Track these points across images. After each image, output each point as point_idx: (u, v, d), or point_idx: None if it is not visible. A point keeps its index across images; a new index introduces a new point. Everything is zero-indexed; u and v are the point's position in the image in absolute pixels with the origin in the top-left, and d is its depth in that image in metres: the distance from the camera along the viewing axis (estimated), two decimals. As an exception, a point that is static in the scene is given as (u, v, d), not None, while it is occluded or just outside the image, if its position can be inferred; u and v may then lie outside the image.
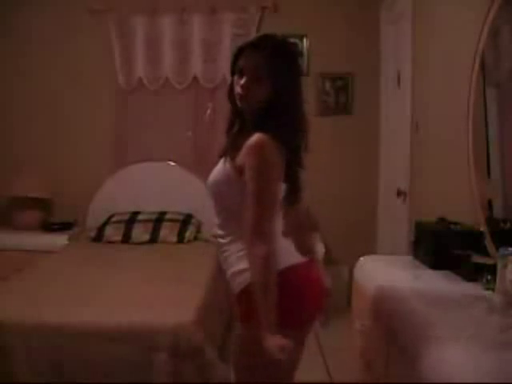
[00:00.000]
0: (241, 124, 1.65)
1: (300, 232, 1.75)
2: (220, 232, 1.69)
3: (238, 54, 1.64)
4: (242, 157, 1.53)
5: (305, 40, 4.09)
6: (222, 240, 1.68)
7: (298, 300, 1.57)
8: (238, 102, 1.60)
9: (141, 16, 4.04)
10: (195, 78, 4.07)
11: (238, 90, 1.59)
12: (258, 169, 1.49)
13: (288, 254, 1.61)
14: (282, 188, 1.57)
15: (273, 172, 1.51)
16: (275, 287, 1.46)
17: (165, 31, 4.04)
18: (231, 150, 1.60)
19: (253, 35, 4.01)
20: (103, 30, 4.08)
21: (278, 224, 1.62)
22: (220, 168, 1.65)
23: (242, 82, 1.58)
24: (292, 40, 4.08)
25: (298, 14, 4.07)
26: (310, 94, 4.10)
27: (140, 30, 4.06)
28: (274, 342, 1.41)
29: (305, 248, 1.71)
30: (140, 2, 4.06)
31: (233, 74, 1.64)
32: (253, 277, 1.49)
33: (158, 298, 2.48)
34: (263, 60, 1.57)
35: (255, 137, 1.51)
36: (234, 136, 1.66)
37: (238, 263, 1.59)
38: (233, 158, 1.58)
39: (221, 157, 1.67)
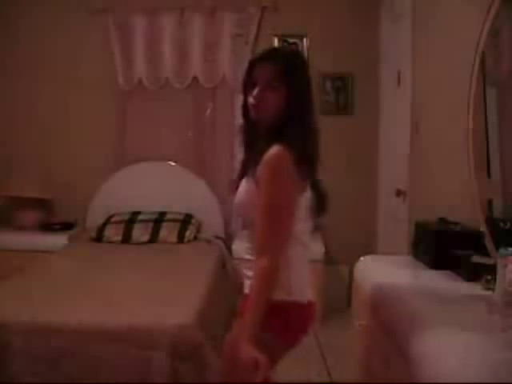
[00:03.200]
0: (257, 141, 1.65)
1: None
2: (250, 245, 1.66)
3: (250, 68, 1.65)
4: (260, 170, 1.53)
5: (305, 40, 4.09)
6: (250, 255, 1.64)
7: (284, 334, 1.60)
8: (252, 114, 1.61)
9: (141, 16, 4.05)
10: (195, 78, 4.07)
11: (251, 101, 1.60)
12: (270, 182, 1.50)
13: (299, 288, 1.63)
14: (307, 198, 1.59)
15: (286, 185, 1.50)
16: (268, 298, 1.46)
17: (165, 31, 4.05)
18: (252, 167, 1.59)
19: (253, 35, 4.02)
20: (103, 30, 4.09)
21: (302, 238, 1.63)
22: (243, 189, 1.63)
23: (255, 92, 1.59)
24: (293, 40, 4.10)
25: (297, 14, 4.07)
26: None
27: (140, 30, 4.06)
28: (252, 354, 1.40)
29: None
30: (140, 2, 4.07)
31: (245, 90, 1.65)
32: (251, 286, 1.50)
33: (157, 298, 2.48)
34: (275, 70, 1.58)
35: (272, 149, 1.51)
36: (252, 155, 1.65)
37: None
38: (254, 175, 1.57)
39: (240, 178, 1.67)
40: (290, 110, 1.58)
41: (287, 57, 1.64)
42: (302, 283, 1.66)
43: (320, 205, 1.65)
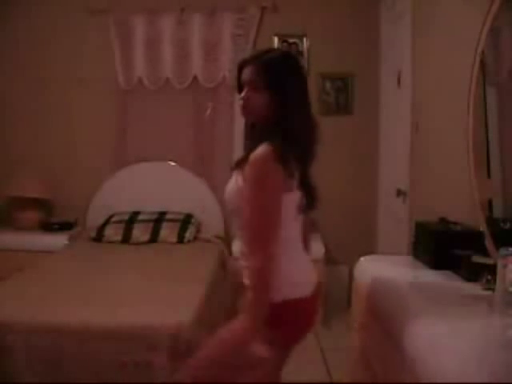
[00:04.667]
0: (252, 137, 1.68)
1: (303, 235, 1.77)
2: (243, 246, 1.66)
3: (238, 69, 1.68)
4: (246, 169, 1.55)
5: (305, 40, 4.09)
6: (244, 260, 1.65)
7: (288, 332, 1.62)
8: (241, 114, 1.65)
9: (141, 16, 4.05)
10: (195, 78, 4.07)
11: (239, 101, 1.64)
12: (256, 182, 1.51)
13: (295, 285, 1.63)
14: (293, 198, 1.58)
15: (271, 185, 1.51)
16: (267, 298, 1.48)
17: (165, 31, 4.05)
18: (242, 162, 1.61)
19: (253, 35, 4.02)
20: (103, 29, 4.09)
21: (293, 235, 1.65)
22: (232, 181, 1.66)
23: (243, 93, 1.63)
24: (292, 40, 4.10)
25: (297, 14, 4.07)
26: (310, 93, 4.10)
27: (140, 30, 4.06)
28: (261, 353, 1.45)
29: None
30: (140, 2, 4.07)
31: (239, 91, 1.69)
32: (248, 286, 1.52)
33: (157, 297, 2.48)
34: (260, 71, 1.60)
35: (259, 149, 1.52)
36: (245, 149, 1.68)
37: None
38: (242, 171, 1.59)
39: (232, 170, 1.68)
40: (276, 110, 1.59)
41: (273, 58, 1.64)
42: (301, 278, 1.66)
43: (309, 202, 1.65)
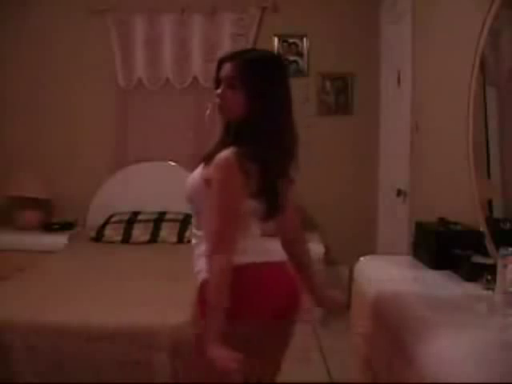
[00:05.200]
0: (224, 134, 1.66)
1: (286, 233, 1.75)
2: (194, 231, 1.72)
3: (219, 64, 1.67)
4: (211, 169, 1.55)
5: (305, 40, 4.10)
6: (194, 240, 1.71)
7: (253, 298, 1.57)
8: (218, 112, 1.64)
9: (141, 16, 4.05)
10: (195, 78, 4.07)
11: (216, 99, 1.63)
12: (220, 185, 1.51)
13: (251, 252, 1.59)
14: (251, 203, 1.54)
15: (233, 189, 1.51)
16: (227, 300, 1.47)
17: (165, 31, 4.05)
18: (209, 157, 1.60)
19: (253, 35, 4.02)
20: (103, 29, 4.09)
21: (252, 237, 1.61)
22: (197, 172, 1.67)
23: (219, 90, 1.62)
24: (293, 40, 4.09)
25: (297, 14, 4.07)
26: (310, 93, 4.12)
27: (140, 29, 4.06)
28: (220, 354, 1.41)
29: (294, 249, 1.75)
30: (140, 2, 4.07)
31: (216, 85, 1.67)
32: (210, 286, 1.51)
33: (157, 297, 2.48)
34: (236, 70, 1.58)
35: (224, 153, 1.51)
36: (216, 144, 1.66)
37: (200, 262, 1.62)
38: (207, 166, 1.60)
39: (201, 161, 1.68)
40: (248, 111, 1.56)
41: (252, 57, 1.62)
42: (266, 246, 1.64)
43: (269, 210, 1.58)
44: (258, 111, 1.55)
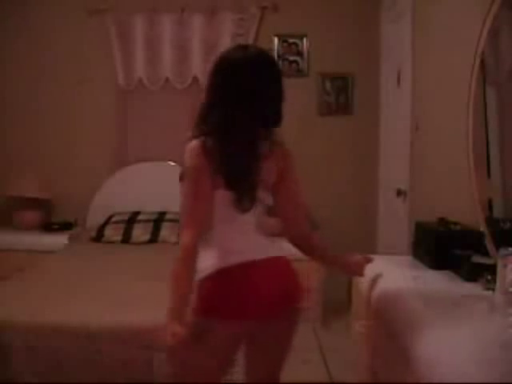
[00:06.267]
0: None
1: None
2: None
3: None
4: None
5: (305, 40, 4.10)
6: None
7: (224, 304, 1.60)
8: None
9: (141, 16, 4.05)
10: (195, 78, 4.07)
11: None
12: (185, 172, 1.61)
13: (219, 257, 1.63)
14: (222, 195, 1.58)
15: (193, 177, 1.57)
16: (189, 279, 1.54)
17: (165, 31, 4.05)
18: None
19: (253, 35, 4.03)
20: (103, 29, 4.09)
21: (226, 228, 1.64)
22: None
23: None
24: (293, 40, 4.09)
25: (297, 14, 4.07)
26: (310, 93, 4.12)
27: (140, 30, 4.06)
28: (170, 328, 1.46)
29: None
30: (140, 2, 4.07)
31: None
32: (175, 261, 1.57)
33: (157, 298, 2.47)
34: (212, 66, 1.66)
35: (192, 142, 1.62)
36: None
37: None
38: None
39: None
40: (206, 106, 1.65)
41: (219, 56, 1.66)
42: (233, 248, 1.65)
43: (241, 203, 1.59)
44: (209, 106, 1.64)
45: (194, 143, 1.61)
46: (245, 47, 1.69)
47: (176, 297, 1.53)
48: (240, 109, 1.60)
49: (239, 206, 1.59)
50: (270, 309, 1.62)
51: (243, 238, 1.66)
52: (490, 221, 2.05)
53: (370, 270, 2.22)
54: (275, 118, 1.66)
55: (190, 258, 1.53)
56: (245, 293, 1.60)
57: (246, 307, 1.60)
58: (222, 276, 1.60)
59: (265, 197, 1.66)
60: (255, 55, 1.64)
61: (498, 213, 2.08)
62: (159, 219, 3.85)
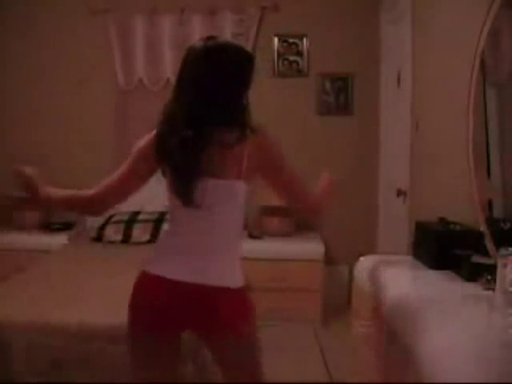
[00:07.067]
0: None
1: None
2: None
3: None
4: None
5: (305, 40, 4.10)
6: None
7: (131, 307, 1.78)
8: None
9: (141, 16, 4.05)
10: (195, 78, 4.07)
11: None
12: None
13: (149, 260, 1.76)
14: (168, 184, 1.73)
15: (132, 155, 1.78)
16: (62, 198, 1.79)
17: (165, 31, 4.05)
18: None
19: (253, 35, 4.03)
20: (103, 29, 4.09)
21: (176, 226, 1.74)
22: None
23: None
24: (293, 40, 4.09)
25: (298, 14, 4.07)
26: (309, 93, 4.12)
27: (140, 30, 4.06)
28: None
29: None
30: (140, 2, 4.07)
31: None
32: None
33: (158, 297, 2.47)
34: None
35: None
36: None
37: None
38: None
39: None
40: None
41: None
42: (159, 257, 1.74)
43: (182, 198, 1.64)
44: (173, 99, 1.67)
45: (151, 134, 1.70)
46: (209, 38, 1.65)
47: (68, 194, 1.77)
48: (185, 102, 1.61)
49: (182, 201, 1.64)
50: (156, 323, 1.72)
51: (185, 248, 1.67)
52: (490, 221, 2.05)
53: (369, 271, 2.23)
54: (233, 116, 1.59)
55: (78, 201, 1.78)
56: (144, 301, 1.77)
57: (142, 316, 1.75)
58: (140, 279, 1.74)
59: (234, 188, 1.61)
60: (211, 48, 1.60)
61: (498, 213, 2.08)
62: (159, 219, 3.85)
